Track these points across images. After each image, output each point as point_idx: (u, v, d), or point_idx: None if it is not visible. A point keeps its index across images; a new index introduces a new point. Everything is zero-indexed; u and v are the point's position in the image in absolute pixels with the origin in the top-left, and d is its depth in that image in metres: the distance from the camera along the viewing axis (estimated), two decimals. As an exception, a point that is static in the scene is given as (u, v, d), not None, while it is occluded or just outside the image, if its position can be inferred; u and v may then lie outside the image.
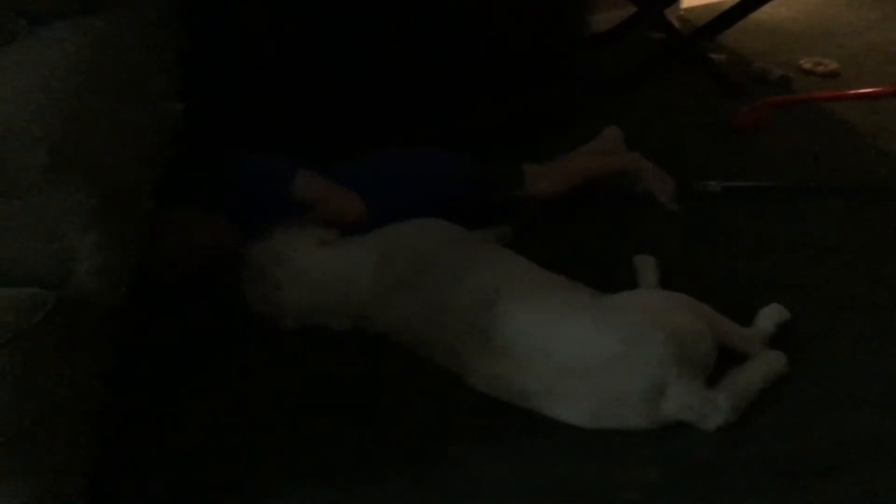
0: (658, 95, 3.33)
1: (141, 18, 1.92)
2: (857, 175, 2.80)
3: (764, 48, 3.74)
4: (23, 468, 1.42)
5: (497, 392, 1.91)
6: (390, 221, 2.24)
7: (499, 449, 1.82)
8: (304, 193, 2.34)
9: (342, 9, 2.59)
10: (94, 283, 1.39)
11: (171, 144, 1.83)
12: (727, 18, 3.43)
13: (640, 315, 1.88)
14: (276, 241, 2.20)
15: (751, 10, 3.43)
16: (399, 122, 2.65)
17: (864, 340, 2.07)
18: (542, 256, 2.13)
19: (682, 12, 4.06)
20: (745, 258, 2.40)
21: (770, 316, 2.07)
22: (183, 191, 2.21)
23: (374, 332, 2.11)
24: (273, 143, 2.44)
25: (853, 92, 3.32)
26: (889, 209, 2.61)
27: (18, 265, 1.36)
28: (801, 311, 2.11)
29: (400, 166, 2.47)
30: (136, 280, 1.50)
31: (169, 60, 1.96)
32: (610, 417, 1.82)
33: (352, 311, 2.15)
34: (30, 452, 1.41)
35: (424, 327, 2.03)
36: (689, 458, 1.77)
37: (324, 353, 2.10)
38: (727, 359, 1.92)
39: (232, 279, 2.19)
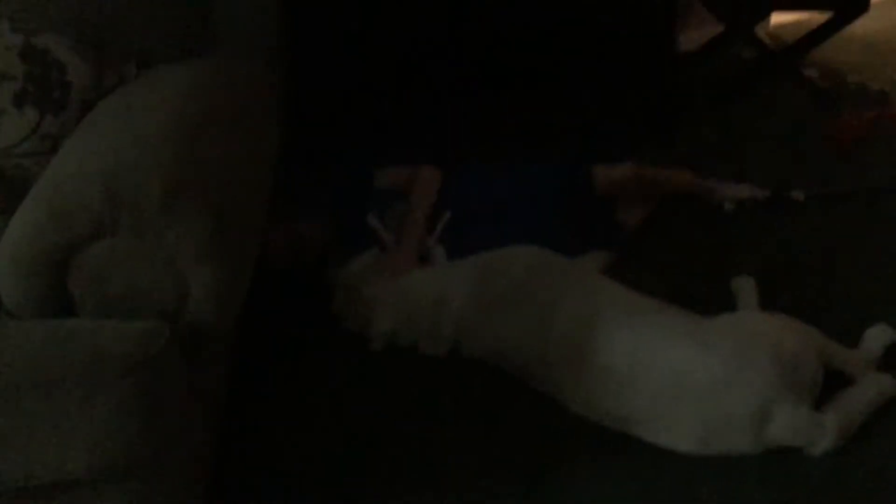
0: (750, 112, 3.27)
1: (244, 54, 1.97)
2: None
3: (858, 62, 3.64)
4: (140, 495, 1.46)
5: (597, 418, 1.90)
6: (490, 233, 2.31)
7: (607, 471, 1.81)
8: (383, 182, 2.51)
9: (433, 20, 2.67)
10: (208, 311, 1.43)
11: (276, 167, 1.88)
12: (819, 34, 3.36)
13: (743, 338, 1.86)
14: (364, 264, 2.28)
15: (841, 26, 3.35)
16: (494, 138, 2.68)
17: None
18: (636, 281, 2.12)
19: (770, 28, 3.99)
20: (847, 275, 2.33)
21: (877, 337, 2.02)
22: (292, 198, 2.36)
23: (470, 357, 2.12)
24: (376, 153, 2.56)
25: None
26: None
27: (140, 297, 1.40)
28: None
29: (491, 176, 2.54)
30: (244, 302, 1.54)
31: (274, 89, 2.01)
32: (715, 442, 1.79)
33: (445, 335, 2.16)
34: (150, 478, 1.44)
35: (521, 353, 2.03)
36: (799, 483, 1.74)
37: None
38: (833, 382, 1.88)
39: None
